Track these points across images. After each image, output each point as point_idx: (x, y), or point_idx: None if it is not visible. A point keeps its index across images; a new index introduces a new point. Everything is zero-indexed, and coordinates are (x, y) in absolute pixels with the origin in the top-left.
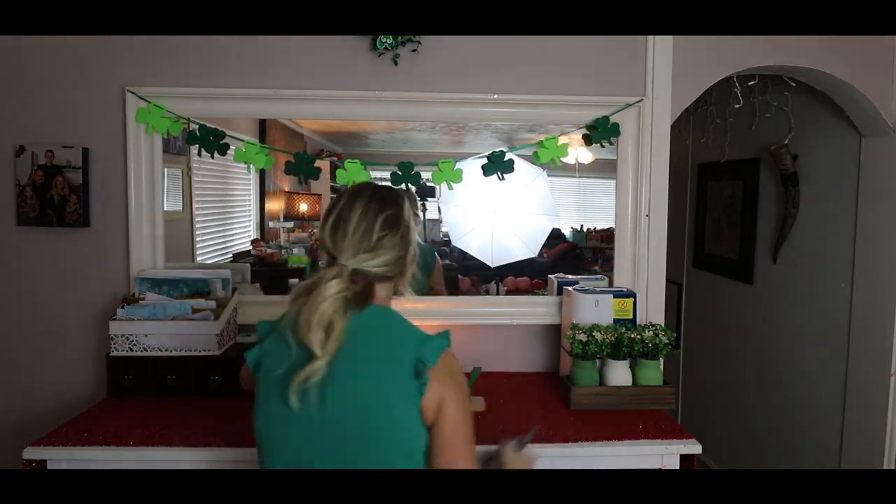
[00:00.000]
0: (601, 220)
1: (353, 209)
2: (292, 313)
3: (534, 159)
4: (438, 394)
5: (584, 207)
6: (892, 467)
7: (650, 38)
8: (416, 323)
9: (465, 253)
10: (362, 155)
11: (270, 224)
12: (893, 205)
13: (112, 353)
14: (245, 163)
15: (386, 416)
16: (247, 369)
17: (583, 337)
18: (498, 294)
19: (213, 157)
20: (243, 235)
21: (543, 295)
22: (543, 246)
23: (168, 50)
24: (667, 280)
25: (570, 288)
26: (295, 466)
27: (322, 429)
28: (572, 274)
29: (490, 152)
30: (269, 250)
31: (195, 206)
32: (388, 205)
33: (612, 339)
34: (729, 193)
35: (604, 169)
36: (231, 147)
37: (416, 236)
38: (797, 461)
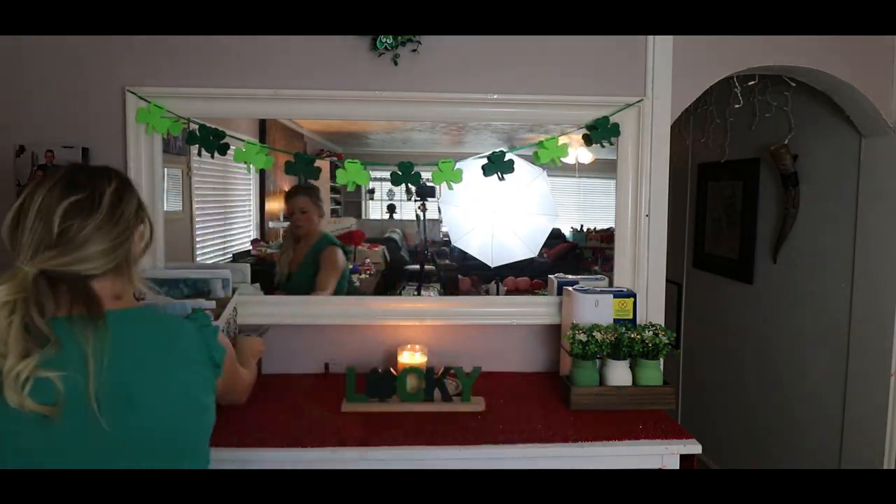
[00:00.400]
0: (601, 220)
1: (34, 198)
2: None
3: (534, 159)
4: (226, 372)
5: (584, 207)
6: (892, 467)
7: (650, 38)
8: (415, 323)
9: (465, 253)
10: (362, 155)
11: (270, 224)
12: (893, 205)
13: None
14: (245, 163)
15: (195, 410)
16: None
17: (583, 337)
18: (498, 294)
19: (213, 157)
20: (243, 235)
21: (543, 295)
22: (543, 246)
23: (168, 50)
24: (667, 280)
25: (570, 288)
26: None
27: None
28: (572, 274)
29: (490, 152)
30: (269, 250)
31: (195, 206)
32: (80, 188)
33: (612, 339)
34: (729, 193)
35: (604, 169)
36: (231, 147)
37: (139, 222)
38: (797, 461)
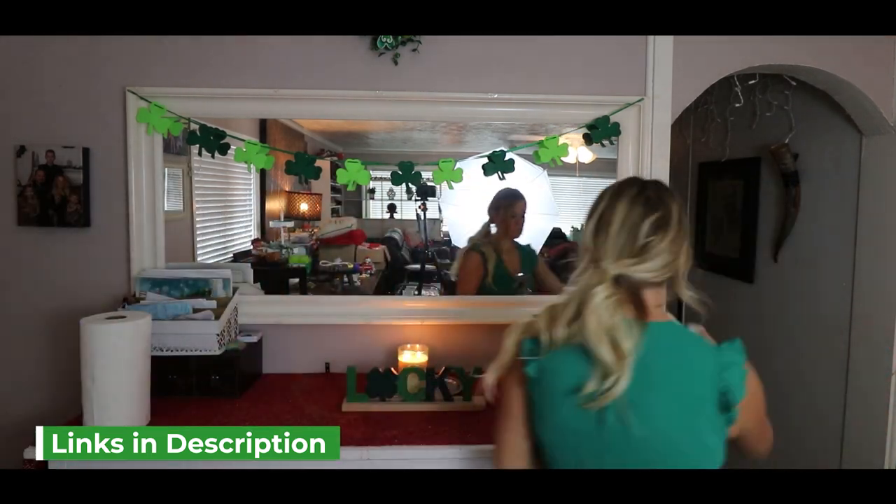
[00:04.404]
0: None
1: (616, 210)
2: (572, 328)
3: (534, 159)
4: (745, 419)
5: (585, 206)
6: (892, 467)
7: (650, 38)
8: (416, 323)
9: None
10: (363, 154)
11: (271, 224)
12: (894, 203)
13: None
14: (245, 163)
15: (694, 443)
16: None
17: None
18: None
19: (213, 156)
20: (244, 235)
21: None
22: (544, 245)
23: (168, 50)
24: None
25: None
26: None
27: (620, 444)
28: (572, 273)
29: (490, 152)
30: (269, 250)
31: (196, 205)
32: (656, 206)
33: None
34: (729, 193)
35: (604, 168)
36: (231, 147)
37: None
38: (797, 461)
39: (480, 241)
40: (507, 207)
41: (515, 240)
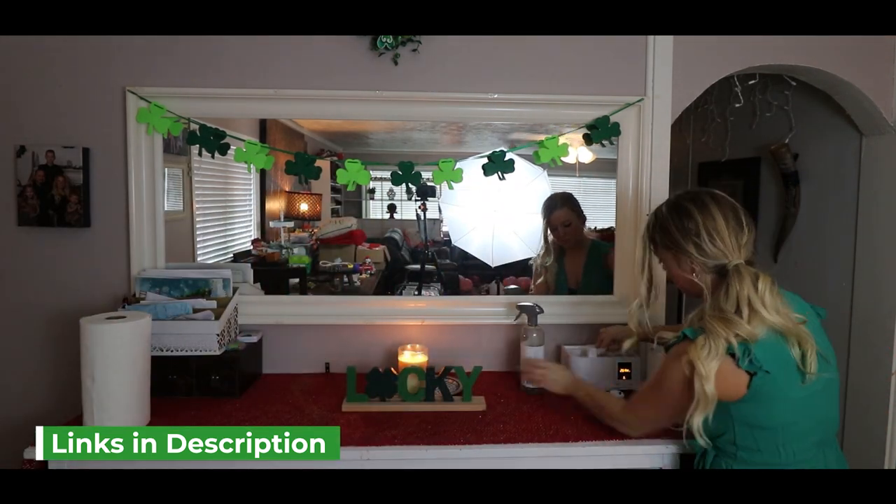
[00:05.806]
0: (601, 220)
1: (716, 216)
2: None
3: (534, 159)
4: None
5: (585, 207)
6: (892, 467)
7: (650, 38)
8: (416, 323)
9: (466, 252)
10: (363, 154)
11: (271, 224)
12: (894, 203)
13: None
14: (245, 163)
15: None
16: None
17: None
18: (499, 293)
19: (213, 157)
20: (244, 235)
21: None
22: None
23: (168, 50)
24: (668, 280)
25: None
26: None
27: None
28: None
29: (490, 152)
30: (269, 250)
31: (195, 205)
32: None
33: None
34: (729, 193)
35: (604, 168)
36: (231, 147)
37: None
38: None
39: (544, 250)
40: (546, 218)
41: (594, 240)
